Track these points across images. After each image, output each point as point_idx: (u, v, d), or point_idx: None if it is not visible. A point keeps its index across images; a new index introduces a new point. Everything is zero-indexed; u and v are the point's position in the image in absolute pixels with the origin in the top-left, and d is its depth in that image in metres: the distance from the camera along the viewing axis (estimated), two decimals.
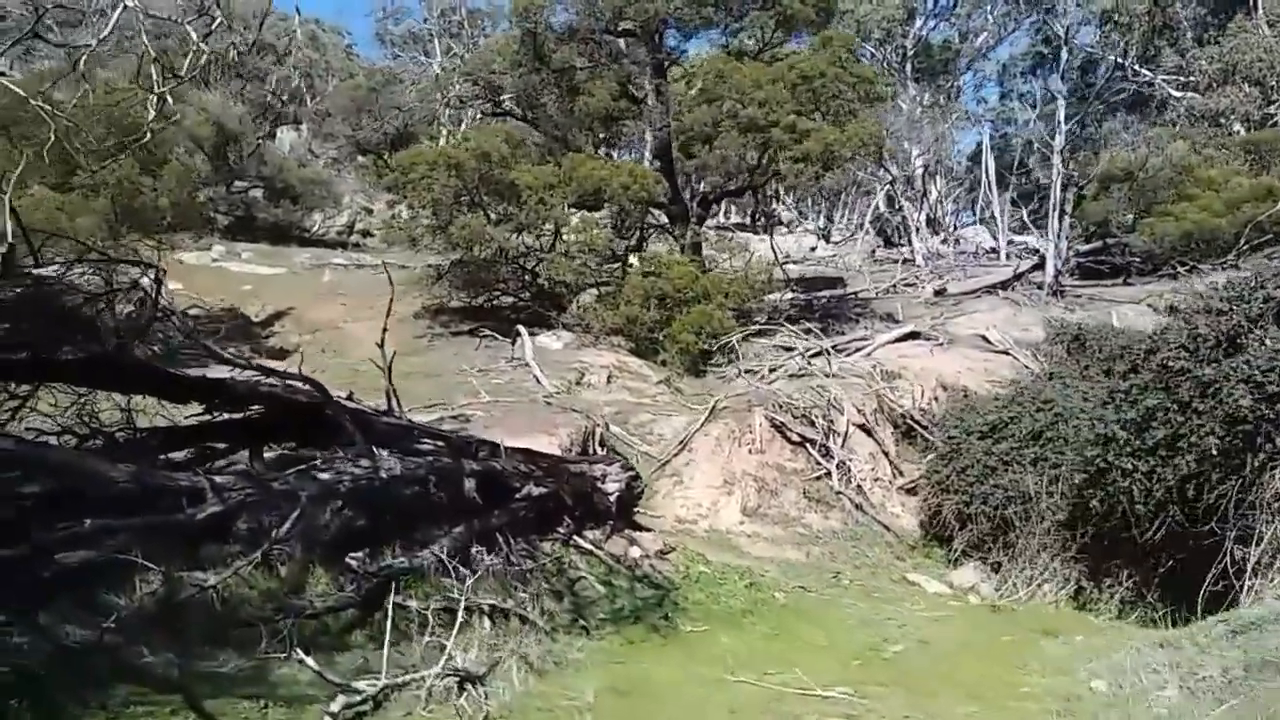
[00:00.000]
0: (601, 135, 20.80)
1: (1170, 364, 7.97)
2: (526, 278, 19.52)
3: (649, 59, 19.45)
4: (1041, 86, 43.35)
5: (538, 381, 14.34)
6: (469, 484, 8.24)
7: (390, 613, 6.84)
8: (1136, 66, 35.13)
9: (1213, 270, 19.15)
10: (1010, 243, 27.80)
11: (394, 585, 7.24)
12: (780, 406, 12.73)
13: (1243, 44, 32.50)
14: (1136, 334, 15.33)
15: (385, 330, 8.58)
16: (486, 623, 7.12)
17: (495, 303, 19.64)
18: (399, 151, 24.55)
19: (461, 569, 7.53)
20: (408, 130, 35.11)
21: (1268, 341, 7.15)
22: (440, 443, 8.63)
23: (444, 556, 7.69)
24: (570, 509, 9.28)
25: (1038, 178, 41.09)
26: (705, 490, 11.48)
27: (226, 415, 8.00)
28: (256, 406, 8.09)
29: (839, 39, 17.84)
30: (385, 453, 8.03)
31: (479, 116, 26.30)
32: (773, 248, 21.36)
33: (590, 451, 11.80)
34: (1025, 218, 29.27)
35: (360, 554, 7.21)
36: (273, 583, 6.89)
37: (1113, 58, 35.24)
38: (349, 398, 8.71)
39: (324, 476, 7.39)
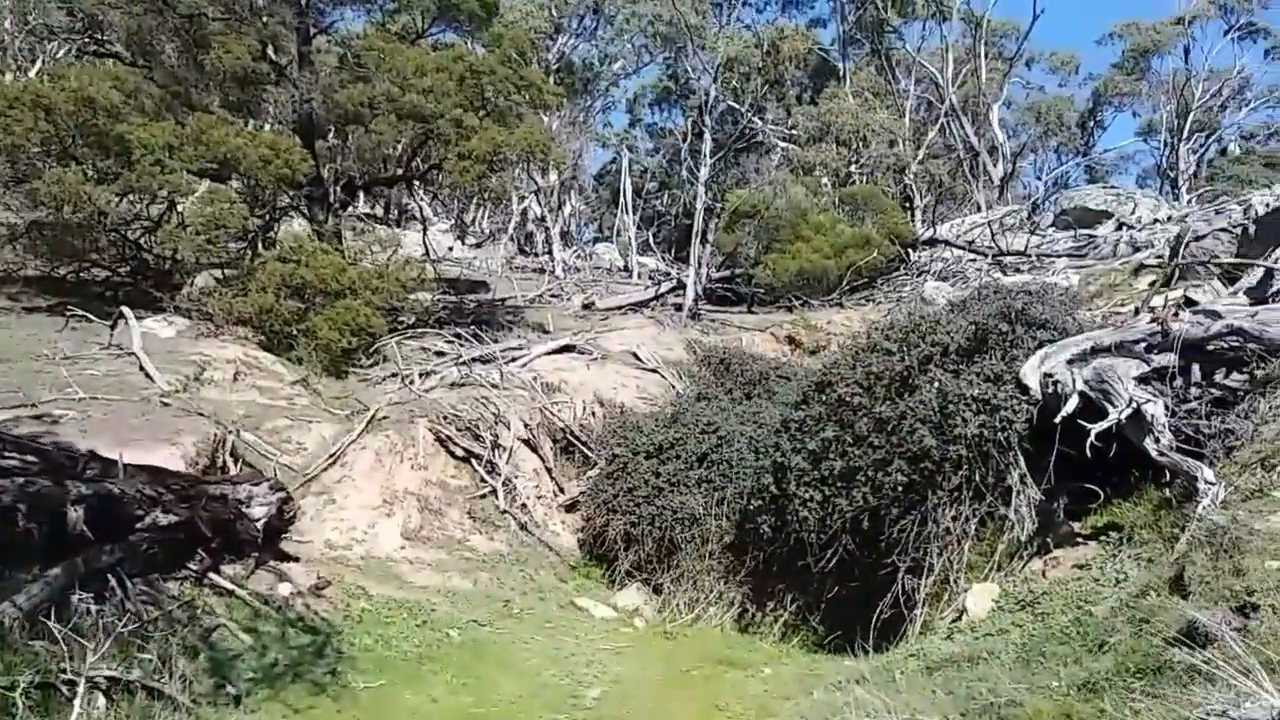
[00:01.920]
0: (234, 98, 18.25)
1: (847, 399, 8.39)
2: (129, 250, 16.57)
3: (295, 21, 17.46)
4: (667, 119, 46.56)
5: (147, 376, 12.00)
6: (75, 513, 6.43)
7: None
8: (750, 115, 38.58)
9: (821, 305, 21.37)
10: (639, 263, 29.23)
11: None
12: (444, 418, 11.80)
13: (835, 108, 37.09)
14: (771, 360, 16.61)
15: None
16: (101, 701, 5.48)
17: (85, 276, 16.41)
18: None
19: (60, 626, 5.80)
20: None
21: (937, 384, 7.77)
22: (33, 458, 6.66)
23: (34, 610, 5.90)
24: (207, 540, 7.67)
25: (655, 204, 44.05)
26: (362, 511, 10.22)
27: None
28: None
29: (511, 38, 17.29)
30: None
31: (72, 54, 22.01)
32: (425, 244, 20.28)
33: (219, 463, 10.03)
34: (651, 241, 30.97)
35: None
36: None
37: (728, 103, 38.30)
38: None
39: None
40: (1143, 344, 7.17)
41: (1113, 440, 6.61)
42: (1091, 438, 6.48)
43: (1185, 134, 38.96)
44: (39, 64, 27.04)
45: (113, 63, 18.04)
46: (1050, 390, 7.26)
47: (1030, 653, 5.59)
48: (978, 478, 7.48)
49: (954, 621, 6.91)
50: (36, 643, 5.76)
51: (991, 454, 7.46)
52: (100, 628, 6.12)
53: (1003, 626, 6.19)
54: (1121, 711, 4.14)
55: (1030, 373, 7.44)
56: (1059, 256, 20.60)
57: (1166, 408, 6.60)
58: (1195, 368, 6.98)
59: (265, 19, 17.40)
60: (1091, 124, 44.83)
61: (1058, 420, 6.89)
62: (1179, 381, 6.94)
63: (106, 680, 5.58)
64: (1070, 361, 7.28)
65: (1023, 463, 7.41)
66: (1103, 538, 6.65)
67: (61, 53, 25.21)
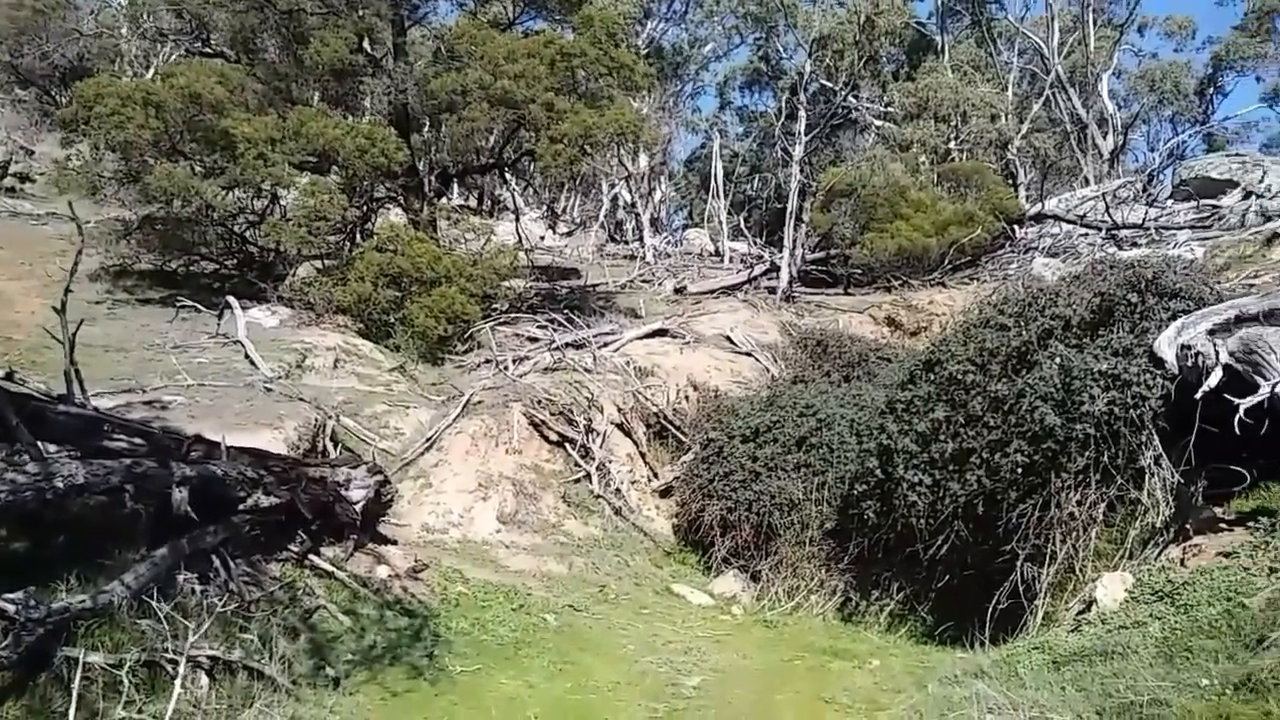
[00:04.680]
0: (333, 91, 18.60)
1: (959, 377, 7.92)
2: (235, 242, 17.08)
3: (390, 14, 17.64)
4: (757, 102, 45.77)
5: (251, 363, 12.30)
6: (179, 494, 6.48)
7: (65, 673, 5.09)
8: (844, 93, 37.48)
9: (921, 285, 20.61)
10: (730, 248, 28.73)
11: (69, 634, 5.44)
12: (538, 403, 11.71)
13: (933, 83, 35.79)
14: (870, 342, 16.08)
15: (69, 291, 6.55)
16: (205, 680, 5.50)
17: (194, 268, 16.99)
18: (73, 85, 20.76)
19: (166, 606, 5.84)
20: (83, 63, 30.16)
21: (1059, 359, 7.25)
22: (140, 440, 6.76)
23: (141, 590, 5.96)
24: (307, 522, 7.70)
25: (745, 189, 43.35)
26: (458, 495, 10.22)
27: None
28: None
29: (601, 20, 17.06)
30: (63, 453, 6.11)
31: (181, 54, 22.79)
32: (517, 232, 20.29)
33: (320, 448, 10.15)
34: (742, 225, 30.44)
35: (19, 594, 5.30)
36: None
37: (821, 81, 37.32)
38: (8, 377, 6.60)
39: None
40: None
41: (1262, 417, 6.01)
42: (1241, 413, 5.90)
43: None
44: (153, 69, 28.21)
45: (220, 62, 18.59)
46: (1189, 363, 6.67)
47: (1174, 648, 5.09)
48: (1106, 459, 6.91)
49: (1081, 613, 6.41)
50: (143, 621, 5.82)
51: (1122, 433, 6.89)
52: (204, 608, 6.17)
53: (1139, 619, 5.68)
54: None
55: (1166, 345, 6.85)
56: (1180, 229, 19.38)
57: None
58: None
59: (361, 12, 17.62)
60: (1211, 91, 42.09)
61: (1199, 396, 6.31)
62: None
63: (209, 660, 5.61)
64: (1211, 332, 6.66)
65: (1157, 442, 6.83)
66: (1250, 524, 6.06)
67: (173, 56, 26.21)
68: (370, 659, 6.62)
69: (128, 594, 5.89)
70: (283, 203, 16.98)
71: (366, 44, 17.64)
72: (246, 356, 12.46)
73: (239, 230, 16.83)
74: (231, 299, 14.12)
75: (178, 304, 14.72)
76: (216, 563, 6.79)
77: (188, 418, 9.15)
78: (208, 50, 19.93)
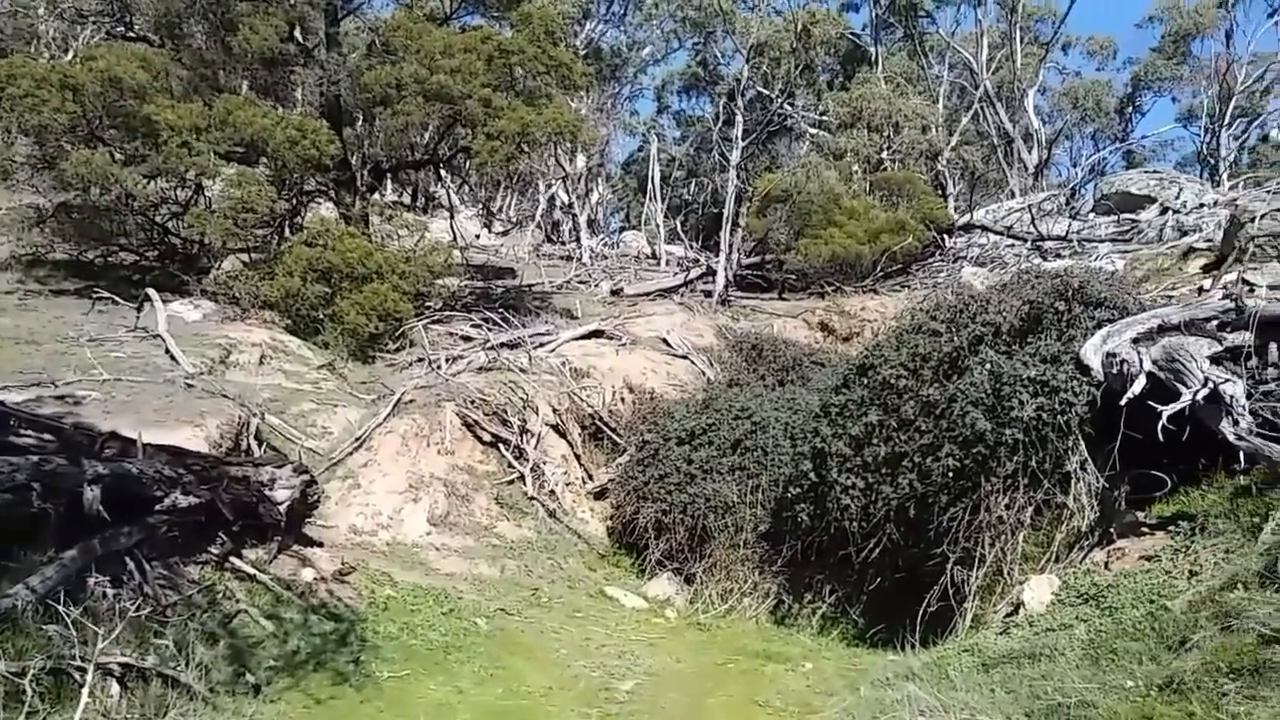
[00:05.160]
0: (262, 80, 18.08)
1: (891, 382, 8.01)
2: (157, 233, 16.48)
3: (322, 2, 17.24)
4: (695, 106, 45.98)
5: (172, 358, 11.85)
6: (91, 493, 6.19)
7: None
8: (780, 100, 37.69)
9: (854, 292, 20.90)
10: (666, 251, 28.78)
11: None
12: (472, 403, 11.52)
13: (867, 94, 36.36)
14: (804, 347, 16.25)
15: None
16: (115, 688, 5.24)
17: (112, 259, 16.36)
18: None
19: (75, 610, 5.56)
20: None
21: (989, 365, 7.37)
22: (49, 436, 6.44)
23: (48, 593, 5.67)
24: (228, 523, 7.43)
25: (682, 193, 43.50)
26: (387, 496, 9.98)
27: None
28: None
29: (540, 18, 16.90)
30: None
31: (102, 37, 21.92)
32: (452, 229, 20.00)
33: (243, 446, 9.83)
34: (679, 229, 30.52)
35: None
36: None
37: (758, 89, 37.47)
38: None
39: None
40: (1214, 321, 6.74)
41: (1184, 424, 6.19)
42: (1163, 420, 6.06)
43: (1226, 120, 37.70)
44: (72, 51, 27.09)
45: (143, 47, 17.92)
46: (1114, 371, 6.84)
47: (1099, 650, 5.21)
48: (1034, 463, 7.06)
49: (1009, 615, 6.53)
50: (50, 627, 5.53)
51: (1049, 438, 7.04)
52: (116, 612, 5.89)
53: (1065, 621, 5.80)
54: (1214, 714, 3.76)
55: (1092, 352, 7.01)
56: (1102, 241, 20.00)
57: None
58: (1273, 347, 6.53)
59: (292, 0, 17.19)
60: (1130, 110, 43.71)
61: (1123, 402, 6.47)
62: (1254, 361, 6.51)
63: (120, 667, 5.34)
64: (1135, 340, 6.85)
65: (1083, 448, 6.99)
66: (1171, 528, 6.23)
67: (94, 39, 25.20)
68: (293, 665, 6.40)
69: (33, 598, 5.61)
70: (208, 193, 16.47)
71: (298, 33, 17.19)
72: (167, 351, 12.01)
73: (161, 221, 16.25)
74: (152, 291, 13.61)
75: (94, 296, 14.14)
76: (131, 565, 6.51)
77: (102, 414, 8.77)
78: (130, 34, 19.19)
